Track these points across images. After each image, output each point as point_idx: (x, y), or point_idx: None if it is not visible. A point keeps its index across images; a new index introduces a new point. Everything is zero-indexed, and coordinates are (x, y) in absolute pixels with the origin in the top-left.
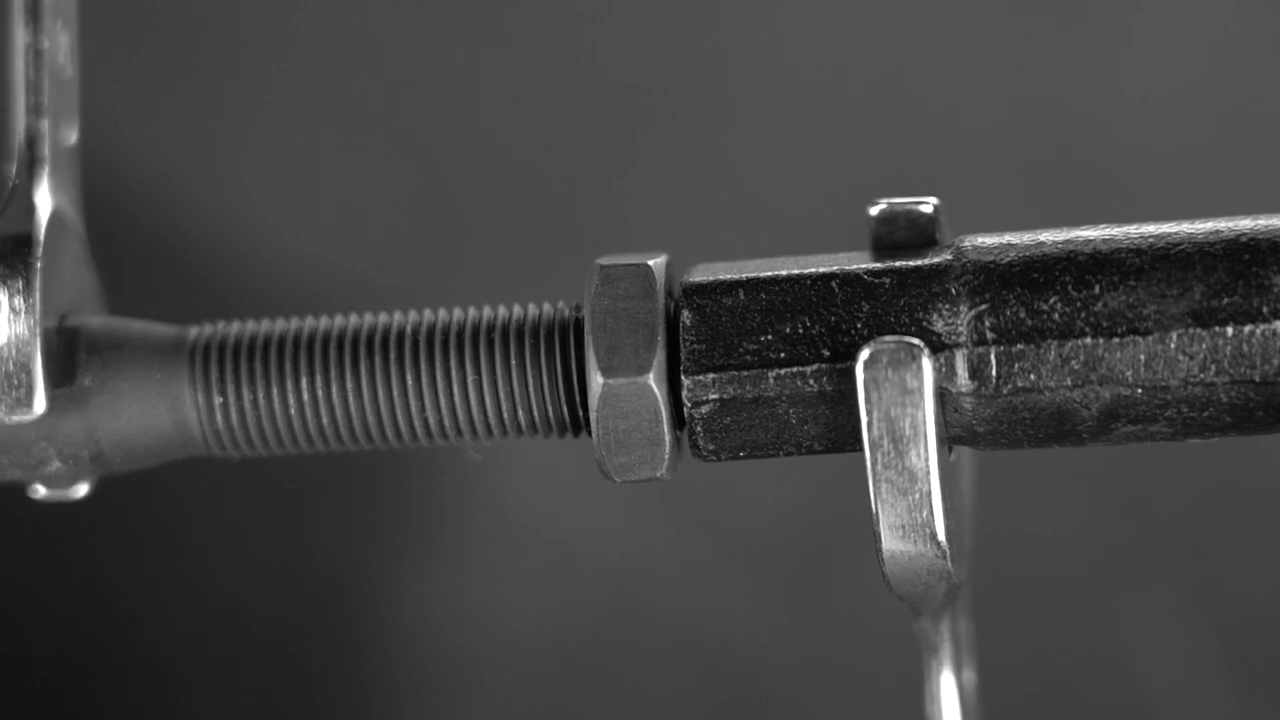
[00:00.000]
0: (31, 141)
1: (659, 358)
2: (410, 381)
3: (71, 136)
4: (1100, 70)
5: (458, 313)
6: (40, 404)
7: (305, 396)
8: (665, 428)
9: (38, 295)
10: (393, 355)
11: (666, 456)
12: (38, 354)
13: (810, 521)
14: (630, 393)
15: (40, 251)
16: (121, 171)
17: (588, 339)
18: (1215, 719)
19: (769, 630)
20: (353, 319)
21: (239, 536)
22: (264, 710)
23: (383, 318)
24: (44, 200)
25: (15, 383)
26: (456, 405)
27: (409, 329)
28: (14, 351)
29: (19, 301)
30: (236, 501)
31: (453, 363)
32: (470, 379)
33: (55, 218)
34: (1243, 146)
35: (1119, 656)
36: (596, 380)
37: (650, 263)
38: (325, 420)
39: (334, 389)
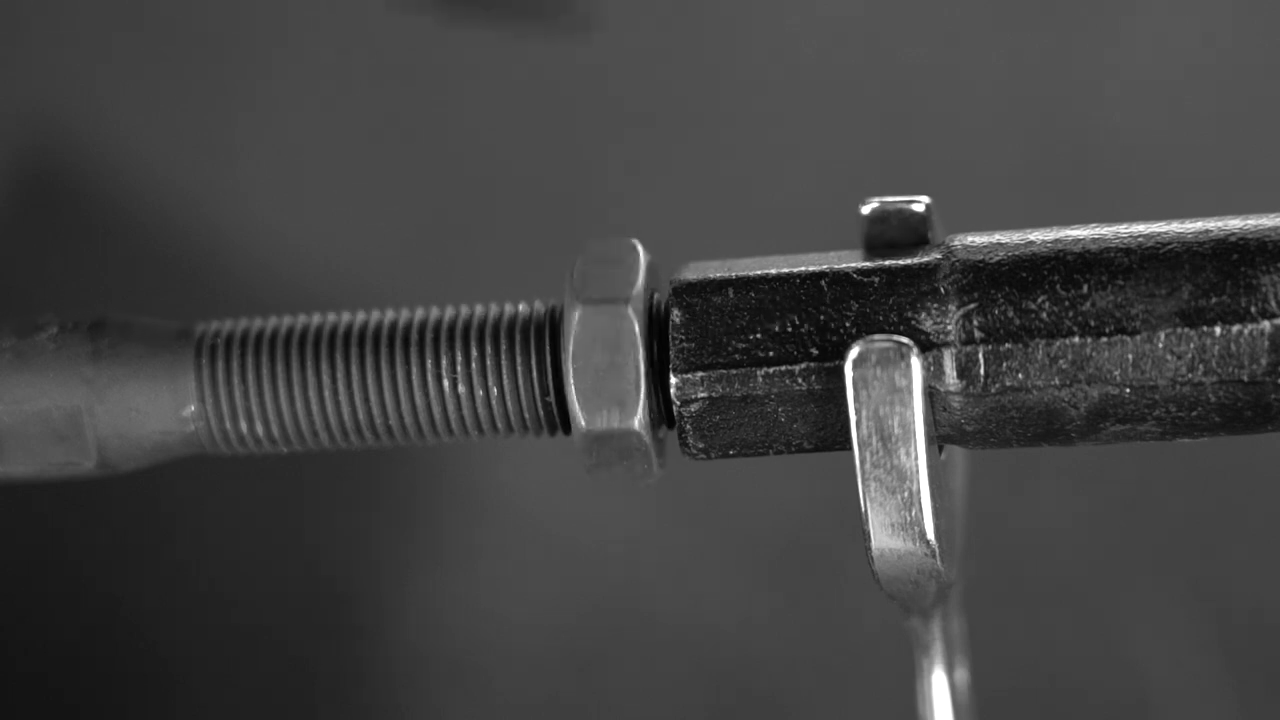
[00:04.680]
0: None
1: (640, 373)
2: (411, 378)
3: None
4: (1095, 70)
5: (449, 311)
6: None
7: (307, 393)
8: (648, 442)
9: None
10: (393, 351)
11: (654, 469)
12: None
13: (811, 519)
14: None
15: None
16: (121, 171)
17: (567, 343)
18: (1214, 719)
19: (769, 627)
20: (359, 316)
21: (240, 534)
22: (266, 706)
23: (380, 315)
24: None
25: None
26: (434, 402)
27: (412, 325)
28: None
29: None
30: (238, 499)
31: (437, 360)
32: (453, 377)
33: None
34: (1237, 147)
35: (1116, 655)
36: (573, 392)
37: (636, 265)
38: (327, 417)
39: (336, 386)
